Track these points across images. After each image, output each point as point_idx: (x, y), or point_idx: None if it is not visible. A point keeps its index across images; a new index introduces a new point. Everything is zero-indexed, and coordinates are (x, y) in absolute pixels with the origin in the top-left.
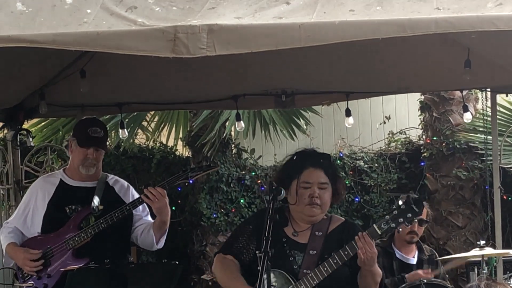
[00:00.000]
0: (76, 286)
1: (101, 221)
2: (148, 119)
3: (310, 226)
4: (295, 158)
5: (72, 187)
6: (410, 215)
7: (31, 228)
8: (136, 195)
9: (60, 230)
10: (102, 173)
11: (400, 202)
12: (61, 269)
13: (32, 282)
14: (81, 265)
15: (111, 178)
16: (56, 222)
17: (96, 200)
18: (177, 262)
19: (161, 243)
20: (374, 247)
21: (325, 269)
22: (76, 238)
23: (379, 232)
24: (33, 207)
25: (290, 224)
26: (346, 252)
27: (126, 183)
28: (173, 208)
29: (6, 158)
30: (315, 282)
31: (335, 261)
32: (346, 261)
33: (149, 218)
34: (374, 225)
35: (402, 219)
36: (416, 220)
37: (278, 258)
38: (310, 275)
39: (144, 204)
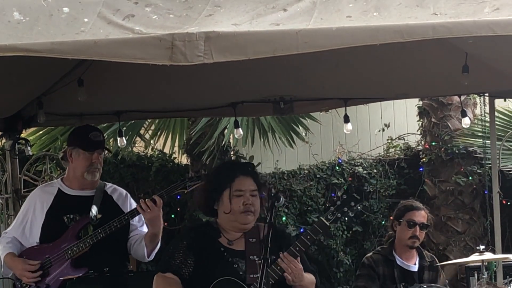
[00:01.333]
0: None
1: (99, 230)
2: (146, 127)
3: (243, 234)
4: (223, 168)
5: (70, 196)
6: (352, 203)
7: (30, 238)
8: (134, 204)
9: (58, 240)
10: (100, 181)
11: (339, 193)
12: (60, 278)
13: None
14: (80, 274)
15: (109, 186)
16: (55, 231)
17: (94, 209)
18: None
19: (152, 256)
20: (298, 263)
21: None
22: (75, 248)
23: (327, 223)
24: (31, 217)
25: (222, 234)
26: (279, 267)
27: (124, 192)
28: (173, 215)
29: (5, 167)
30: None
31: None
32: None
33: (144, 228)
34: (321, 217)
35: (346, 208)
36: (359, 208)
37: (222, 268)
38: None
39: (141, 214)
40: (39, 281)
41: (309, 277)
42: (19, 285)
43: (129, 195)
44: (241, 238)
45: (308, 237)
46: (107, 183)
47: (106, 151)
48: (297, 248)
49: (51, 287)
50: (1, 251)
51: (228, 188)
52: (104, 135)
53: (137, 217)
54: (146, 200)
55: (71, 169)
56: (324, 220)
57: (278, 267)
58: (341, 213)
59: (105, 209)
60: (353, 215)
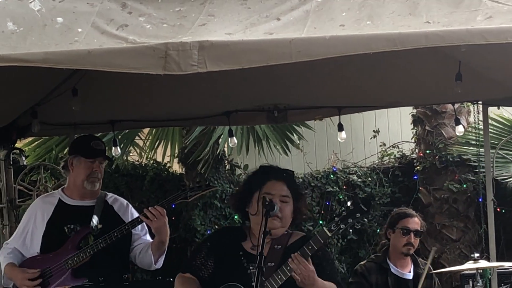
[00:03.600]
0: None
1: (100, 240)
2: (145, 137)
3: (270, 241)
4: (258, 171)
5: (71, 206)
6: (359, 214)
7: (30, 248)
8: (135, 214)
9: (59, 250)
10: (101, 191)
11: (349, 203)
12: None
13: None
14: (78, 284)
15: (110, 196)
16: (55, 242)
17: (95, 219)
18: (171, 279)
19: (160, 263)
20: (309, 265)
21: (279, 277)
22: (75, 258)
23: (329, 234)
24: (32, 227)
25: (249, 238)
26: (279, 276)
27: (125, 202)
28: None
29: None
30: None
31: (279, 276)
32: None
33: (148, 237)
34: (324, 227)
35: (351, 219)
36: (365, 220)
37: (235, 273)
38: (265, 284)
39: (143, 223)
40: None
41: (328, 285)
42: None
43: (130, 205)
44: (267, 244)
45: (310, 247)
46: (108, 193)
47: (107, 161)
48: (310, 248)
49: None
50: (2, 262)
51: (258, 190)
52: None
53: (139, 226)
54: (151, 208)
55: (71, 178)
56: (326, 231)
57: (288, 267)
58: (345, 224)
59: (106, 219)
60: (359, 227)
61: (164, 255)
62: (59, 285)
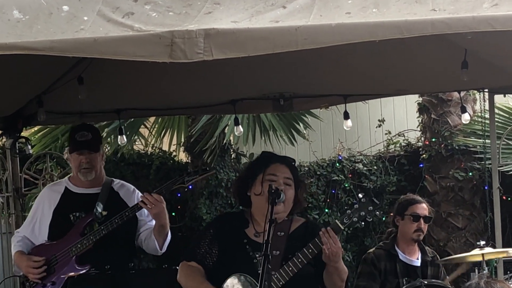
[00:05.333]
0: None
1: (102, 227)
2: (151, 126)
3: (273, 227)
4: (261, 156)
5: (77, 194)
6: (371, 207)
7: (39, 236)
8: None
9: (64, 237)
10: (107, 178)
11: (361, 196)
12: (63, 276)
13: None
14: (83, 271)
15: (117, 183)
16: (61, 229)
17: (99, 206)
18: (177, 268)
19: (165, 247)
20: (338, 241)
21: (290, 269)
22: (79, 245)
23: (341, 227)
24: (40, 216)
25: (251, 225)
26: (310, 250)
27: (132, 187)
28: (173, 213)
29: (5, 166)
30: (281, 283)
31: (299, 260)
32: (311, 260)
33: (154, 222)
34: (337, 220)
35: (364, 213)
36: (377, 213)
37: (241, 262)
38: (276, 276)
39: None
40: (45, 279)
41: (344, 267)
42: (27, 283)
43: (137, 190)
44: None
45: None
46: (114, 179)
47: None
48: (337, 226)
49: (56, 284)
50: (12, 250)
51: (262, 173)
52: (104, 133)
53: (145, 212)
54: (147, 195)
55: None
56: (339, 224)
57: (299, 260)
58: (358, 217)
59: (111, 205)
60: (370, 219)
61: (169, 239)
62: (64, 272)
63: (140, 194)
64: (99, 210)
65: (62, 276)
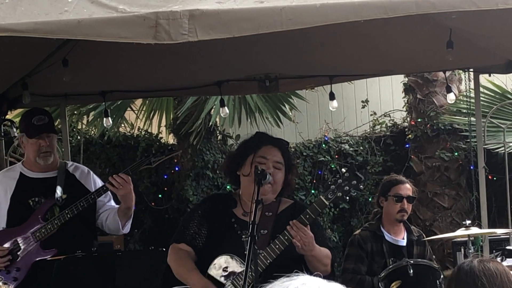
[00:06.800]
0: (63, 275)
1: (66, 211)
2: (133, 108)
3: (261, 207)
4: (255, 136)
5: (33, 179)
6: (355, 182)
7: None
8: (98, 180)
9: (25, 223)
10: (60, 161)
11: (344, 170)
12: (27, 261)
13: (1, 276)
14: (49, 256)
15: (71, 165)
16: (21, 216)
17: (59, 190)
18: (164, 249)
19: (127, 228)
20: (308, 231)
21: (277, 247)
22: (43, 230)
23: (326, 202)
24: None
25: (239, 205)
26: (286, 237)
27: (86, 169)
28: (160, 195)
29: None
30: (268, 261)
31: (286, 237)
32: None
33: (113, 203)
34: (321, 196)
35: (348, 187)
36: (362, 187)
37: (229, 241)
38: (263, 254)
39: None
40: (9, 265)
41: (324, 251)
42: None
43: (91, 172)
44: (258, 211)
45: (307, 216)
46: (68, 162)
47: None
48: (307, 216)
49: (21, 270)
50: None
51: (253, 154)
52: (90, 115)
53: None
54: (115, 176)
55: (26, 154)
56: (324, 199)
57: (286, 237)
58: (342, 192)
59: (69, 188)
60: (354, 194)
61: (131, 220)
62: (30, 257)
63: (95, 176)
64: (59, 193)
65: (27, 261)
